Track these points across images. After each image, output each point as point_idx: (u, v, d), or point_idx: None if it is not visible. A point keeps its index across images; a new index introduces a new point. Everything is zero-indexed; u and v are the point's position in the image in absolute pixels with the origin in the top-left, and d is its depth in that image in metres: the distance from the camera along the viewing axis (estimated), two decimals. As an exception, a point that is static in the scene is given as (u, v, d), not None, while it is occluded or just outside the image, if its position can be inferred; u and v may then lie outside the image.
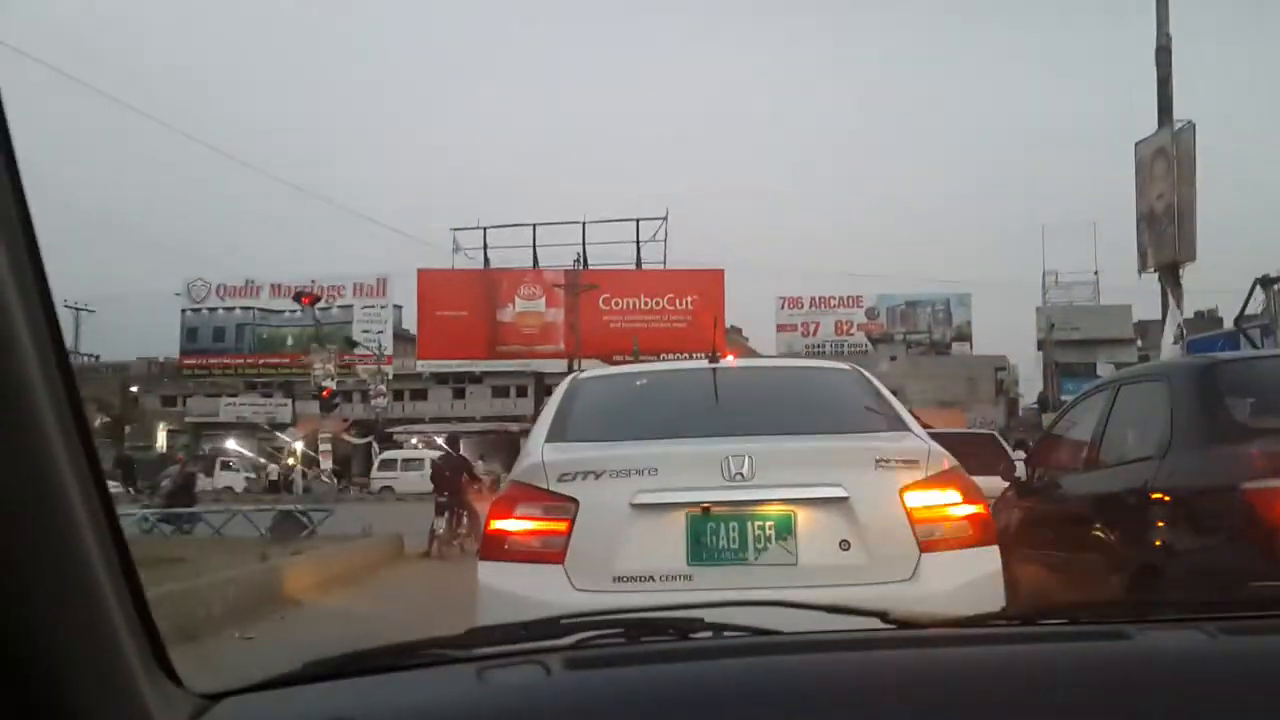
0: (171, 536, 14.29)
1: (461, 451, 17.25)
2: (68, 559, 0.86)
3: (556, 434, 3.93)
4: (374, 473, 41.22)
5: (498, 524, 3.59)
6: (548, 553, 3.48)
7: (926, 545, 3.47)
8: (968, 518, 3.56)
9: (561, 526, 3.48)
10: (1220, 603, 1.51)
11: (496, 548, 3.58)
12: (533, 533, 3.53)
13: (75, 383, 0.91)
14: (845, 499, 3.48)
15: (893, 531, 3.47)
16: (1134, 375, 5.91)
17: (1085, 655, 1.16)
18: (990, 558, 3.57)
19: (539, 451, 3.74)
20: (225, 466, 43.73)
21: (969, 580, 3.43)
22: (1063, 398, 44.84)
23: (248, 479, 43.45)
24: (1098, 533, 5.03)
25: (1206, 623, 1.21)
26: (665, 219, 52.77)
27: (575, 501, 3.48)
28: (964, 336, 56.80)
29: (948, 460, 3.65)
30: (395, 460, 40.69)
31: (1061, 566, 5.27)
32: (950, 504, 3.55)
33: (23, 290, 0.85)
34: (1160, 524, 4.52)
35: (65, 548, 0.86)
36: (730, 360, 5.07)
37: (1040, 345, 52.15)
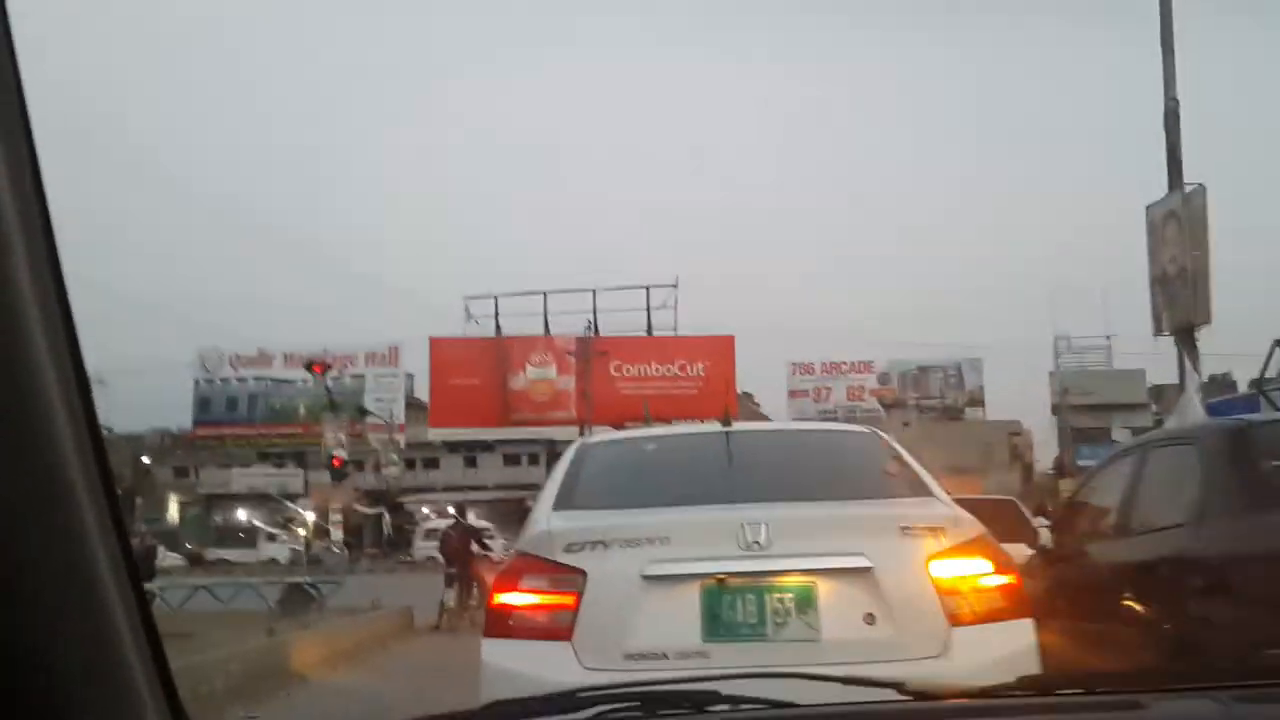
0: (175, 610, 14.05)
1: (471, 520, 17.02)
2: (95, 629, 0.86)
3: (563, 502, 3.79)
4: (417, 542, 40.84)
5: (502, 598, 3.43)
6: (554, 629, 3.31)
7: (956, 619, 3.29)
8: (1000, 588, 3.39)
9: (569, 600, 3.31)
10: (1236, 671, 1.51)
11: (500, 624, 3.41)
12: (539, 607, 3.37)
13: (106, 453, 0.92)
14: (869, 569, 3.31)
15: (920, 604, 3.30)
16: (1163, 438, 5.75)
17: None
18: (1025, 631, 3.39)
19: (545, 520, 3.60)
20: (270, 539, 42.88)
21: (1004, 656, 3.21)
22: (1079, 463, 44.45)
23: (293, 550, 42.67)
24: (1130, 601, 4.83)
25: (1220, 691, 1.20)
26: (675, 285, 52.94)
27: (583, 573, 3.32)
28: (977, 401, 56.47)
29: (976, 527, 3.49)
30: (439, 530, 40.34)
31: (1092, 636, 5.06)
32: (981, 574, 3.38)
33: (49, 329, 0.84)
34: (1195, 592, 4.34)
35: (92, 617, 0.85)
36: (744, 424, 4.93)
37: (1054, 410, 51.79)
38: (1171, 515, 4.67)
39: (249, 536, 44.43)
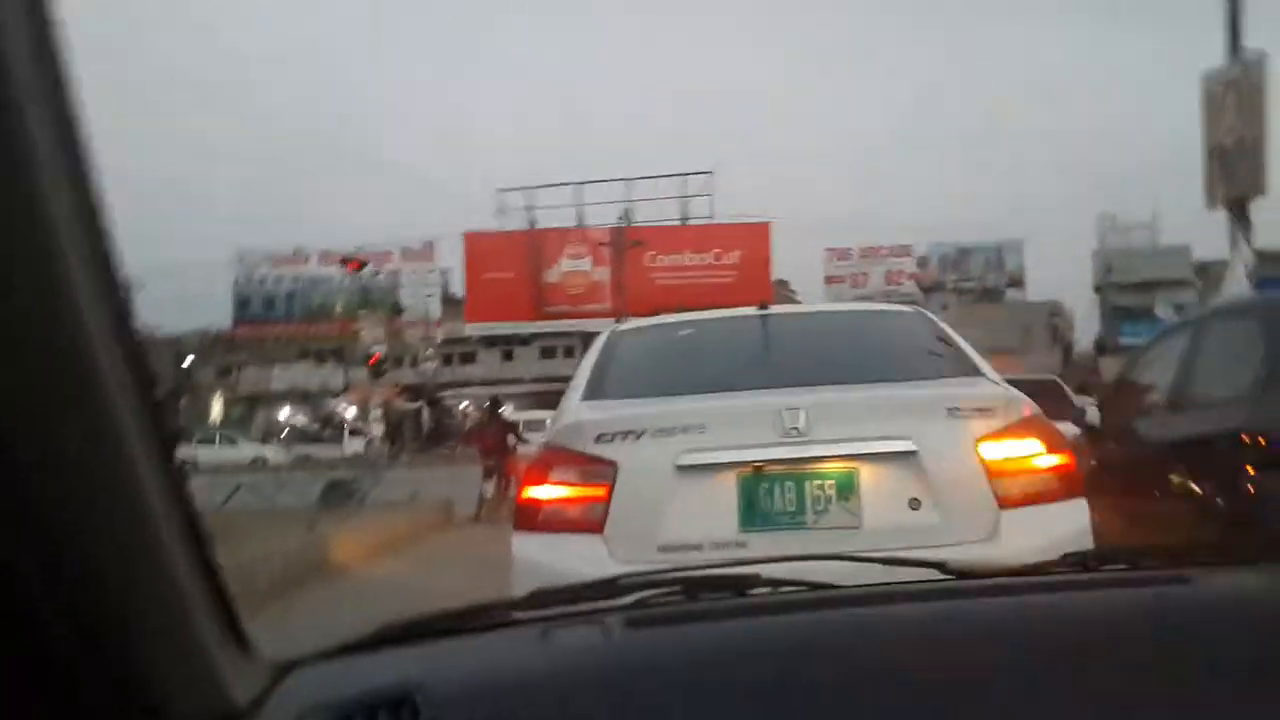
0: (217, 508, 14.25)
1: (507, 413, 17.05)
2: (139, 531, 0.86)
3: (594, 391, 3.62)
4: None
5: (530, 491, 3.30)
6: (585, 521, 3.18)
7: (1006, 501, 3.12)
8: (1053, 469, 3.21)
9: (600, 492, 3.17)
10: None
11: (530, 517, 3.28)
12: (569, 500, 3.23)
13: (143, 351, 0.90)
14: (914, 453, 3.14)
15: (968, 487, 3.13)
16: (1222, 311, 5.47)
17: (1145, 601, 1.15)
18: (1079, 512, 3.21)
19: (574, 411, 3.44)
20: (354, 433, 42.71)
21: (1056, 538, 3.01)
22: (1121, 341, 43.90)
23: (368, 443, 42.69)
24: (1185, 478, 4.64)
25: (1269, 564, 1.21)
26: (710, 173, 52.15)
27: (614, 464, 3.17)
28: (1017, 282, 55.75)
29: (1028, 407, 3.29)
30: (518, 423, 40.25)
31: (1144, 515, 4.89)
32: (1033, 454, 3.19)
33: (89, 260, 0.83)
34: (1255, 468, 4.14)
35: (137, 520, 0.85)
36: (781, 307, 4.72)
37: (1096, 289, 50.99)
38: (1231, 390, 4.44)
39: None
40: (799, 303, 48.85)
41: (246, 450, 39.16)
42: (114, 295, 0.88)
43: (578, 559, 3.01)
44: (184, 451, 39.32)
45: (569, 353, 51.78)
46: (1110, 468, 5.41)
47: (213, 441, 41.09)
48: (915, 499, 3.13)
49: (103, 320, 0.84)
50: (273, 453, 38.70)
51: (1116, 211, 52.05)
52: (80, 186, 0.84)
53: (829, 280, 55.50)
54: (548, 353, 53.21)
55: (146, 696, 0.87)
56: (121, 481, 0.85)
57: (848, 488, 3.14)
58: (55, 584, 0.80)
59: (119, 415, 0.84)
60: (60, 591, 0.80)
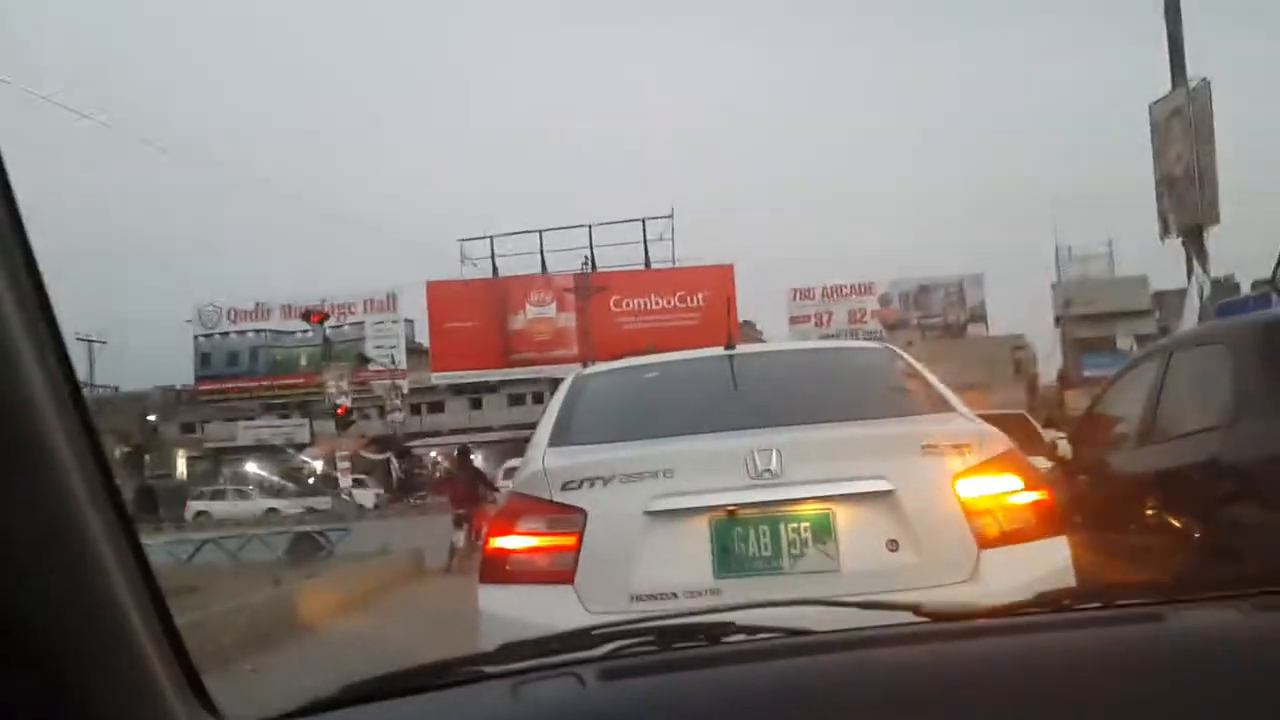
0: (182, 564, 13.96)
1: (478, 462, 16.88)
2: (95, 591, 0.84)
3: (559, 437, 3.55)
4: (500, 482, 40.47)
5: (497, 542, 3.21)
6: (555, 572, 3.09)
7: (986, 540, 3.06)
8: (1031, 506, 3.15)
9: (569, 541, 3.09)
10: (1260, 579, 1.46)
11: (497, 569, 3.19)
12: (537, 550, 3.15)
13: (88, 411, 0.89)
14: (890, 492, 3.08)
15: (947, 527, 3.07)
16: (1188, 340, 5.48)
17: (1120, 638, 1.14)
18: (1059, 550, 3.16)
19: (540, 458, 3.36)
20: (359, 484, 41.97)
21: (1036, 576, 2.95)
22: (1084, 374, 44.28)
23: (376, 495, 41.91)
24: (1159, 510, 4.62)
25: (1242, 600, 1.20)
26: (671, 216, 52.40)
27: (583, 512, 3.09)
28: (979, 318, 56.22)
29: (1003, 443, 3.25)
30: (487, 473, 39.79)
31: (1118, 549, 4.86)
32: (1010, 491, 3.14)
33: (25, 313, 0.83)
34: (1228, 498, 4.12)
35: (91, 579, 0.84)
36: (749, 346, 4.67)
37: (1057, 321, 51.50)
38: (1201, 419, 4.43)
39: (255, 489, 43.69)
40: (765, 342, 49.00)
41: (257, 503, 38.82)
42: (59, 356, 0.87)
43: (548, 610, 2.91)
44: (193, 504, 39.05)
45: (538, 399, 51.55)
46: (1084, 501, 5.38)
47: (217, 496, 40.70)
48: (893, 540, 3.06)
49: (50, 381, 0.83)
50: (282, 505, 38.28)
51: (1073, 243, 52.76)
52: (13, 252, 0.84)
53: (793, 320, 55.78)
54: (516, 400, 52.97)
55: None
56: (74, 542, 0.83)
57: (824, 530, 3.07)
58: (7, 645, 0.78)
59: (68, 476, 0.83)
60: (14, 652, 0.79)
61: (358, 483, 40.91)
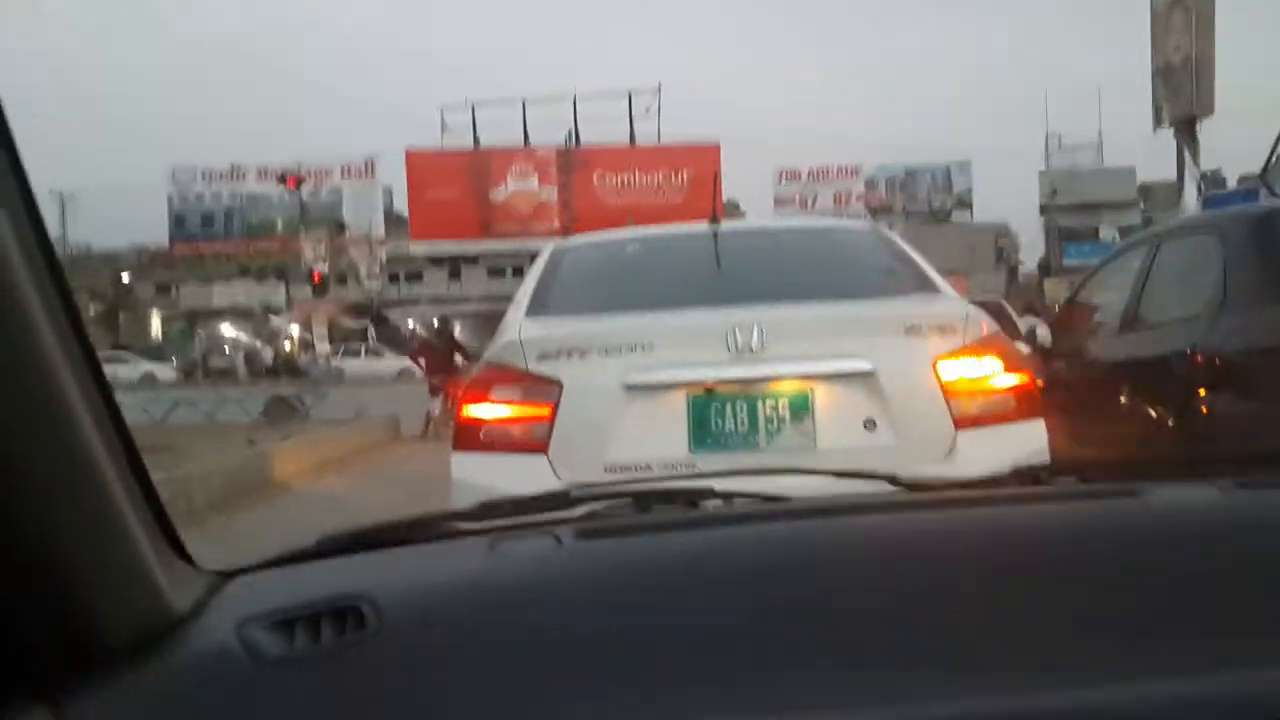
0: (158, 423, 13.97)
1: (456, 332, 16.80)
2: (68, 443, 0.85)
3: (537, 308, 3.48)
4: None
5: (471, 410, 3.16)
6: (529, 441, 3.06)
7: (963, 421, 3.05)
8: (1011, 389, 3.13)
9: (544, 412, 3.05)
10: (1234, 459, 1.51)
11: (470, 437, 3.15)
12: (511, 419, 3.11)
13: (61, 268, 0.89)
14: (871, 372, 3.05)
15: (925, 408, 3.05)
16: (1178, 229, 5.41)
17: (1095, 513, 1.15)
18: (1036, 433, 3.15)
19: (516, 327, 3.29)
20: (351, 353, 41.23)
21: (1012, 459, 2.98)
22: (1065, 262, 44.40)
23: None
24: (1140, 397, 4.63)
25: (1219, 479, 1.20)
26: (658, 91, 51.34)
27: (558, 383, 3.05)
28: (965, 204, 55.88)
29: (987, 324, 3.21)
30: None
31: (1097, 434, 4.88)
32: (992, 374, 3.12)
33: None
34: (1207, 388, 4.11)
35: (64, 432, 0.84)
36: (734, 222, 4.57)
37: (1042, 210, 51.34)
38: (1188, 307, 4.39)
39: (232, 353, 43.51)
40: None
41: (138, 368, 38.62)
42: (29, 211, 0.86)
43: (521, 479, 2.86)
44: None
45: (518, 272, 51.24)
46: (1063, 387, 5.38)
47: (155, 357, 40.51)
48: (871, 419, 3.05)
49: (18, 232, 0.83)
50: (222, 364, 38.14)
51: (1063, 131, 52.23)
52: None
53: (778, 201, 55.28)
54: (495, 272, 52.63)
55: (80, 605, 0.87)
56: (46, 396, 0.83)
57: (802, 408, 3.05)
58: None
59: (40, 329, 0.83)
60: None
61: (349, 351, 40.67)
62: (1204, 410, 4.09)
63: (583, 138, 50.86)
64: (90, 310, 49.00)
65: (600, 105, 52.24)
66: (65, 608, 0.86)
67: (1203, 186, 11.95)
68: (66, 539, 0.85)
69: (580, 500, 1.31)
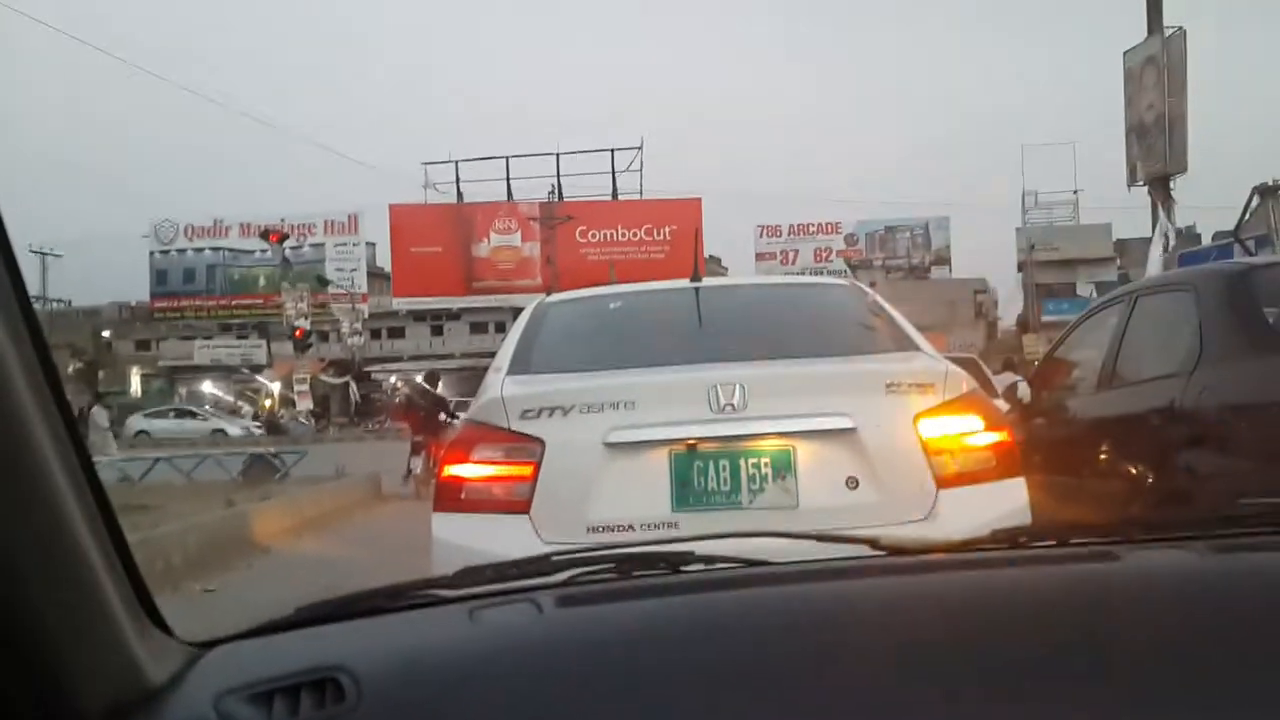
0: (135, 483, 13.82)
1: (440, 389, 16.73)
2: (44, 507, 0.84)
3: (519, 366, 3.48)
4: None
5: (452, 469, 3.15)
6: (511, 501, 3.04)
7: (945, 480, 3.05)
8: (991, 447, 3.14)
9: (526, 471, 3.04)
10: (1213, 521, 1.50)
11: (451, 497, 3.13)
12: (493, 479, 3.09)
13: (40, 327, 0.88)
14: (852, 430, 3.05)
15: (907, 466, 3.05)
16: (1154, 285, 5.46)
17: (1074, 577, 1.16)
18: (1016, 491, 3.15)
19: (498, 386, 3.29)
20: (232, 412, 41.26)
21: (994, 517, 2.96)
22: (1044, 319, 44.73)
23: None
24: (1117, 455, 4.65)
25: (1196, 542, 1.23)
26: (640, 148, 51.91)
27: (541, 442, 3.04)
28: (943, 260, 56.49)
29: (966, 382, 3.23)
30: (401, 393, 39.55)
31: (1075, 492, 4.89)
32: (972, 432, 3.12)
33: None
34: (1185, 445, 4.13)
35: (40, 499, 0.83)
36: (715, 279, 4.60)
37: (1020, 266, 51.84)
38: (1165, 364, 4.43)
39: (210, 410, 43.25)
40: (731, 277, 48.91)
41: (210, 423, 38.42)
42: (8, 265, 0.85)
43: (503, 540, 2.85)
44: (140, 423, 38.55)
45: (500, 328, 51.28)
46: (1042, 444, 5.40)
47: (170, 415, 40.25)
48: (853, 477, 3.04)
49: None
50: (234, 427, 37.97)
51: (1040, 189, 52.91)
52: None
53: (759, 257, 55.75)
54: (478, 328, 52.64)
55: (56, 678, 0.85)
56: (20, 458, 0.81)
57: (784, 466, 3.04)
58: None
59: (15, 389, 0.81)
60: None
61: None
62: (1183, 468, 4.11)
63: (566, 193, 51.29)
64: (69, 367, 48.61)
65: (583, 161, 52.61)
66: (40, 680, 0.85)
67: (1168, 244, 12.09)
68: (42, 609, 0.83)
69: (561, 566, 1.30)
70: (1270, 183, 12.40)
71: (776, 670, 0.97)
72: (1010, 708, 0.93)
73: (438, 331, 54.39)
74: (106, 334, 57.68)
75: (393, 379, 45.34)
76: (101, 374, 53.97)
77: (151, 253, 54.62)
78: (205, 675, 1.03)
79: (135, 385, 55.26)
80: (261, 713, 0.94)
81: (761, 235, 56.48)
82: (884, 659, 0.98)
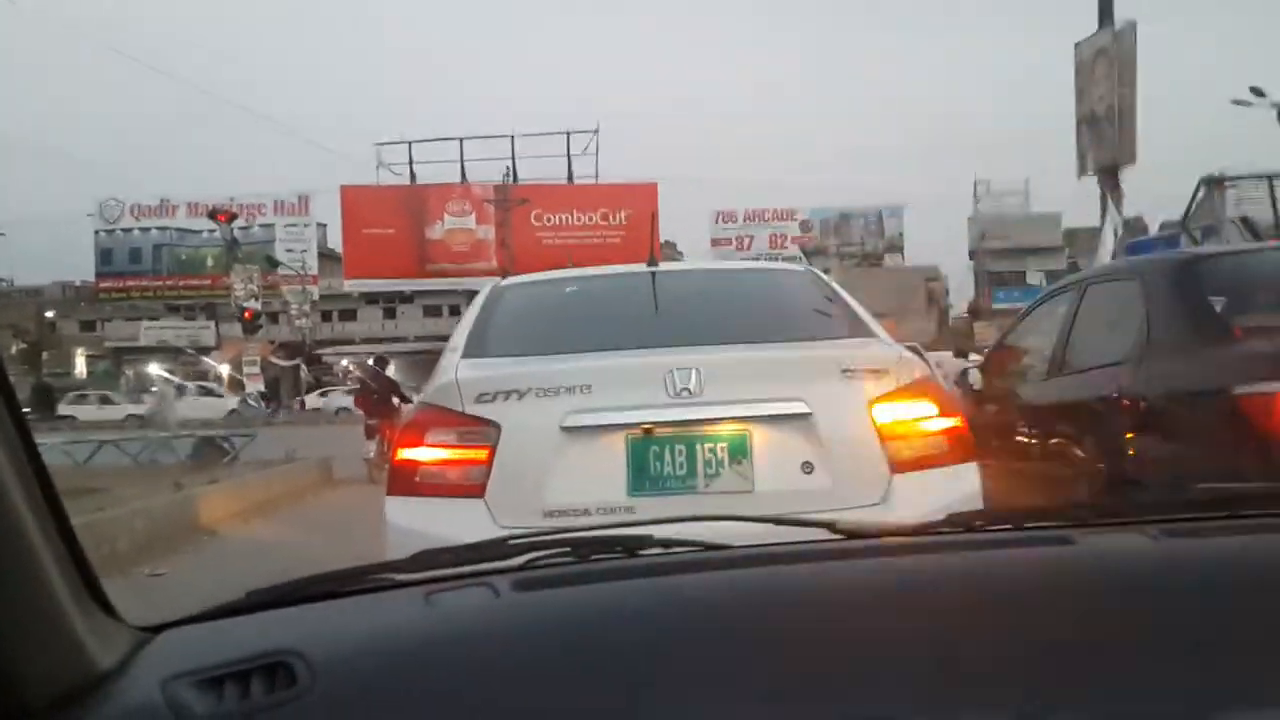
0: (80, 465, 13.57)
1: (391, 372, 16.59)
2: None
3: (474, 349, 3.46)
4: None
5: (406, 453, 3.12)
6: (465, 485, 3.03)
7: (899, 465, 3.08)
8: (944, 432, 3.18)
9: (481, 455, 3.02)
10: (1164, 506, 1.51)
11: (405, 480, 3.11)
12: (447, 462, 3.07)
13: None
14: (808, 415, 3.07)
15: (861, 451, 3.08)
16: (1102, 274, 5.55)
17: (1029, 561, 1.17)
18: (969, 476, 3.19)
19: (453, 369, 3.27)
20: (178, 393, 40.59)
21: (947, 502, 2.95)
22: (995, 306, 45.35)
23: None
24: (1063, 442, 4.72)
25: (1149, 526, 1.23)
26: (596, 132, 51.73)
27: (496, 425, 3.03)
28: (897, 248, 56.98)
29: (920, 368, 3.26)
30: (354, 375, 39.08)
31: (1026, 477, 4.96)
32: (925, 417, 3.16)
33: None
34: (1132, 432, 4.20)
35: None
36: (671, 264, 4.60)
37: (971, 254, 52.48)
38: (1112, 352, 4.50)
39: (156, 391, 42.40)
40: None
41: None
42: None
43: (458, 524, 2.84)
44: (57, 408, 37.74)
45: (454, 311, 50.96)
46: (993, 430, 5.47)
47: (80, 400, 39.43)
48: (808, 462, 3.07)
49: None
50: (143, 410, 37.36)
51: (991, 178, 53.56)
52: None
53: (715, 242, 55.85)
54: (432, 311, 52.32)
55: None
56: None
57: (740, 451, 3.06)
58: None
59: None
60: None
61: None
62: (1130, 454, 4.18)
63: (521, 176, 50.98)
64: (12, 348, 47.64)
65: (538, 144, 52.31)
66: None
67: (1118, 233, 12.30)
68: None
69: (518, 549, 1.29)
70: (1216, 174, 12.67)
71: (734, 653, 0.98)
72: (967, 690, 0.94)
73: (390, 314, 53.98)
74: (50, 314, 56.60)
75: (344, 362, 44.97)
76: (45, 355, 52.99)
77: (97, 232, 53.54)
78: (153, 660, 1.02)
79: (81, 366, 54.29)
80: (211, 698, 0.92)
81: (717, 221, 56.58)
82: (841, 641, 0.99)
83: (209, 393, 39.63)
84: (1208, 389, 3.88)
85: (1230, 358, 3.83)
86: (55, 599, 0.90)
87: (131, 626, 1.08)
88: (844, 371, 3.16)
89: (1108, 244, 12.71)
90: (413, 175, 51.98)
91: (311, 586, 1.22)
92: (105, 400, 39.80)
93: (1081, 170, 15.70)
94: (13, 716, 0.85)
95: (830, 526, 1.37)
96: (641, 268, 4.01)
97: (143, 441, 15.97)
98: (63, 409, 38.18)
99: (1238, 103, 21.91)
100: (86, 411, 37.32)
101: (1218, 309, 4.15)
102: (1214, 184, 12.81)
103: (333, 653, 0.98)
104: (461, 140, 51.10)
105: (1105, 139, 14.95)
